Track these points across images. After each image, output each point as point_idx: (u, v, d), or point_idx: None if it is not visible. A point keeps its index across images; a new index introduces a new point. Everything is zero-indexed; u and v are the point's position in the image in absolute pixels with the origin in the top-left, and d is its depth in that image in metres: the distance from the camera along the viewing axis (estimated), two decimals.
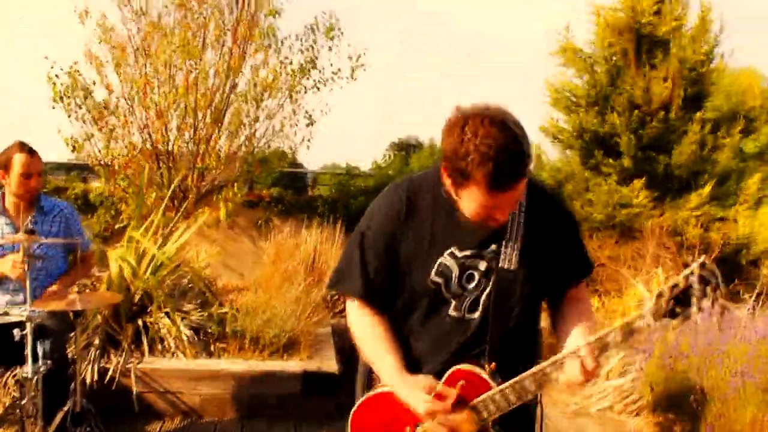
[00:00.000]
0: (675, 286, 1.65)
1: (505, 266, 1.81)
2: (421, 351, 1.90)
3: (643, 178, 7.20)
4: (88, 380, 4.29)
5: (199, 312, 5.11)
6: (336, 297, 6.13)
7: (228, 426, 4.39)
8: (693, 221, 6.99)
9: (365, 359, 1.96)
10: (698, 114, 7.38)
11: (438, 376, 1.83)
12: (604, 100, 7.78)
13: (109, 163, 7.70)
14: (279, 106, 7.82)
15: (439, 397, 1.80)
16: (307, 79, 7.80)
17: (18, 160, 3.67)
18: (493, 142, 1.57)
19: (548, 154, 8.91)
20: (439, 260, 1.83)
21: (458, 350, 1.85)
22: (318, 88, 7.90)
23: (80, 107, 7.63)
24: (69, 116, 7.60)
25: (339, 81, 7.95)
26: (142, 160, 7.54)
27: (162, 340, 4.81)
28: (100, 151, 7.70)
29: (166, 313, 4.90)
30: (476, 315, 1.84)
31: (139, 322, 4.88)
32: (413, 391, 1.79)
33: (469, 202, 1.69)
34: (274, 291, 5.52)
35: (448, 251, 1.83)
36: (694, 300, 1.64)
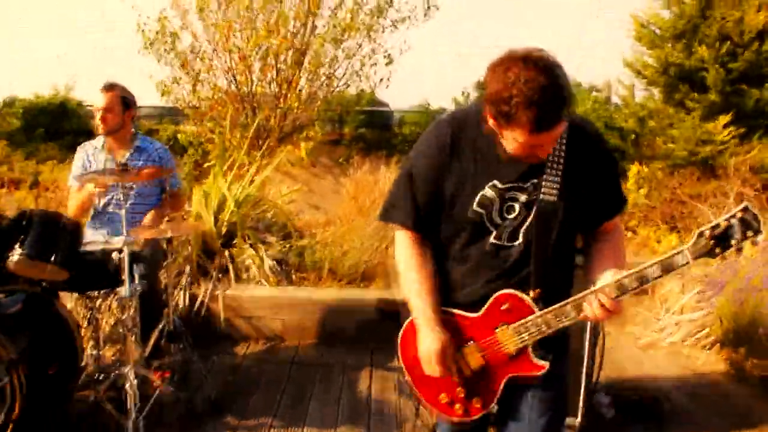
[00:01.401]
0: (716, 226, 1.72)
1: (545, 198, 1.88)
2: (460, 276, 2.01)
3: (730, 114, 6.94)
4: (180, 305, 4.66)
5: (281, 244, 5.39)
6: None
7: (308, 350, 4.68)
8: None
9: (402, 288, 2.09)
10: None
11: (476, 300, 1.97)
12: (692, 32, 7.48)
13: (197, 106, 8.05)
14: (358, 45, 7.93)
15: (485, 318, 1.96)
16: (384, 18, 7.84)
17: (96, 97, 3.99)
18: (536, 86, 1.63)
19: (632, 89, 8.66)
20: (481, 192, 1.90)
21: (497, 277, 1.95)
22: (396, 27, 7.94)
23: (168, 52, 7.98)
24: (159, 61, 7.97)
25: (415, 21, 7.98)
26: (228, 102, 7.84)
27: (247, 270, 5.13)
28: (188, 95, 8.06)
29: (251, 245, 5.21)
30: (516, 244, 1.92)
31: (226, 253, 5.21)
32: (427, 340, 1.96)
33: (512, 141, 1.76)
34: (352, 225, 5.73)
35: (490, 183, 1.89)
36: (733, 242, 1.71)
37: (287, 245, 5.42)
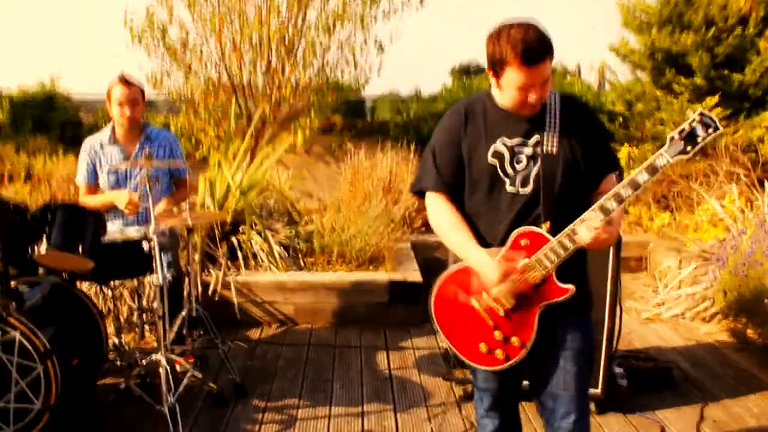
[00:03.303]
0: (682, 130, 2.05)
1: (547, 150, 2.18)
2: (486, 223, 2.26)
3: (716, 96, 7.13)
4: (193, 293, 4.70)
5: (287, 229, 5.46)
6: (414, 215, 6.41)
7: (322, 332, 4.76)
8: None
9: (443, 239, 2.33)
10: None
11: (502, 241, 2.21)
12: (678, 17, 7.64)
13: (189, 97, 8.05)
14: (350, 33, 7.98)
15: (507, 259, 2.17)
16: (377, 8, 7.90)
17: (114, 89, 3.99)
18: (522, 31, 2.03)
19: (618, 75, 8.84)
20: (493, 147, 2.21)
21: (517, 218, 2.20)
22: (389, 17, 8.00)
23: (158, 46, 7.97)
24: (149, 55, 7.96)
25: (408, 10, 8.05)
26: (222, 93, 7.85)
27: (255, 256, 5.20)
28: (180, 86, 8.05)
29: (258, 232, 5.27)
30: (528, 189, 2.19)
31: (233, 240, 5.27)
32: (485, 259, 2.18)
33: (508, 88, 2.12)
34: (355, 210, 5.82)
35: (500, 139, 2.21)
36: (699, 139, 2.04)
37: (293, 231, 5.49)
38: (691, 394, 3.77)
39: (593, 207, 2.09)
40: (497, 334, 2.22)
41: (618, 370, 3.78)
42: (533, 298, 2.18)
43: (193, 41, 7.95)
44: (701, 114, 2.05)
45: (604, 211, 2.07)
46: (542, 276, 2.15)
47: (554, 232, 2.14)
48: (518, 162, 2.20)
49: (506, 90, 2.13)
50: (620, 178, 2.22)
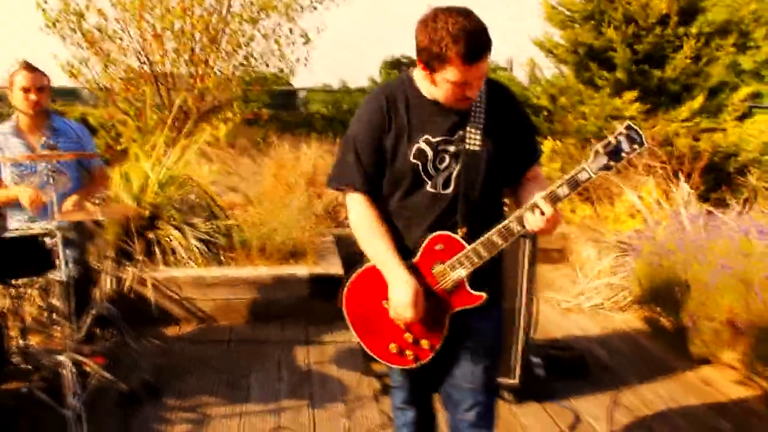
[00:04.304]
0: (608, 144, 1.97)
1: (470, 148, 2.09)
2: (402, 226, 2.17)
3: (636, 91, 7.31)
4: (107, 290, 4.53)
5: (207, 224, 5.32)
6: (337, 208, 6.34)
7: (242, 329, 4.66)
8: (684, 131, 7.15)
9: (361, 245, 2.22)
10: (692, 29, 7.43)
11: (417, 247, 2.13)
12: (600, 14, 7.80)
13: (108, 87, 7.78)
14: (276, 25, 7.86)
15: (422, 261, 2.12)
16: None
17: (18, 75, 3.79)
18: (461, 24, 1.89)
19: (542, 69, 8.97)
20: (416, 146, 2.09)
21: (435, 221, 2.12)
22: (315, 8, 7.91)
23: (74, 32, 7.66)
24: (63, 40, 7.64)
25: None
26: (142, 83, 7.61)
27: (173, 252, 5.04)
28: (98, 75, 7.77)
29: (175, 226, 5.11)
30: (449, 190, 2.11)
31: (150, 235, 5.09)
32: (400, 280, 2.08)
33: (444, 84, 1.99)
34: (278, 203, 5.71)
35: (423, 138, 2.09)
36: (623, 154, 1.96)
37: (213, 225, 5.35)
38: (606, 382, 3.85)
39: (510, 219, 2.03)
40: (408, 336, 2.17)
41: (535, 359, 3.81)
42: (445, 304, 2.13)
43: (112, 28, 7.69)
44: (628, 128, 1.97)
45: (508, 231, 2.03)
46: (454, 283, 2.10)
47: (471, 236, 2.08)
48: (441, 161, 2.10)
49: (441, 85, 2.01)
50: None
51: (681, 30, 7.45)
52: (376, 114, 2.14)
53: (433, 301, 2.12)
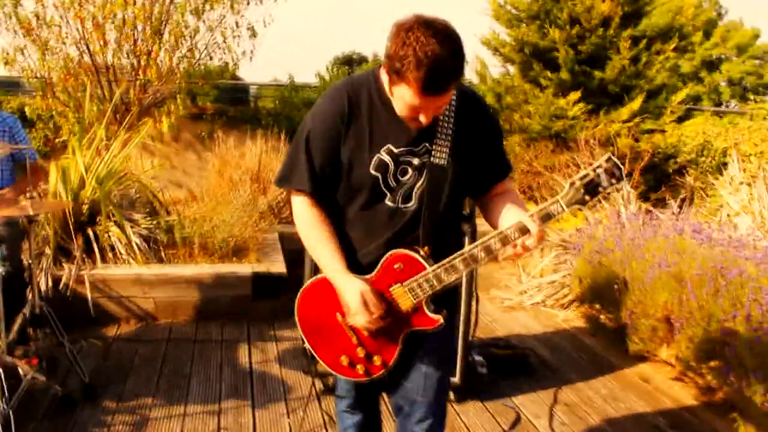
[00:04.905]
0: (586, 176, 1.82)
1: (436, 162, 1.96)
2: (358, 239, 2.05)
3: (579, 91, 7.45)
4: (43, 288, 4.39)
5: (148, 221, 5.20)
6: (282, 204, 6.28)
7: (182, 328, 4.57)
8: (624, 132, 7.32)
9: (308, 249, 2.10)
10: (630, 31, 7.61)
11: (373, 262, 2.01)
12: (545, 14, 7.91)
13: (46, 76, 7.53)
14: (221, 16, 7.72)
15: (378, 284, 1.99)
16: None
17: None
18: (430, 51, 1.69)
19: (489, 67, 9.04)
20: (377, 155, 1.95)
21: (392, 237, 2.00)
22: (261, 1, 7.81)
23: (9, 17, 7.40)
24: None
25: None
26: (81, 73, 7.39)
27: (112, 249, 4.91)
28: (35, 64, 7.52)
29: (115, 223, 4.99)
30: (410, 205, 1.99)
31: (89, 232, 4.95)
32: (347, 286, 1.98)
33: (399, 100, 1.83)
34: (221, 200, 5.63)
35: (385, 148, 1.95)
36: (600, 189, 1.82)
37: (154, 222, 5.24)
38: (547, 379, 3.91)
39: (474, 245, 1.90)
40: (360, 351, 2.07)
41: (478, 358, 3.84)
42: (400, 323, 2.02)
43: (51, 15, 7.44)
44: (609, 160, 1.81)
45: (472, 258, 1.90)
46: (413, 305, 1.98)
47: (434, 256, 1.96)
48: (403, 174, 1.97)
49: (397, 101, 1.85)
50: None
51: (624, 32, 7.61)
52: (335, 117, 1.98)
53: (388, 320, 2.01)
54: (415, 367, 2.13)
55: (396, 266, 1.98)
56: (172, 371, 3.89)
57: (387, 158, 1.96)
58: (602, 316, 4.64)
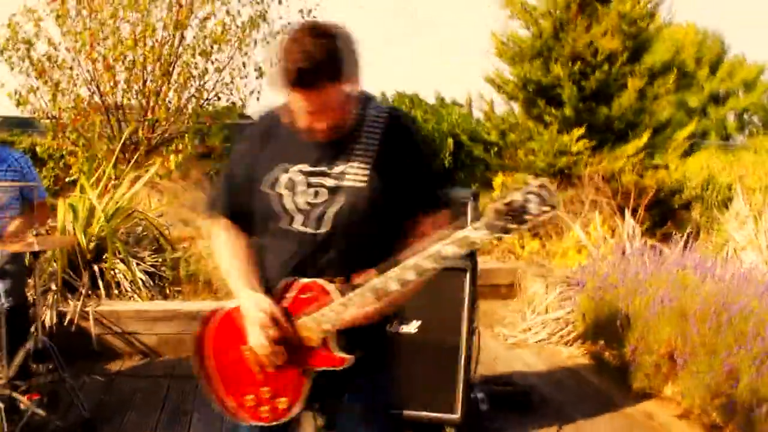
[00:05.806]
0: (511, 202, 1.55)
1: (353, 185, 1.81)
2: (270, 261, 1.92)
3: (583, 127, 7.49)
4: (47, 323, 4.42)
5: (154, 257, 5.25)
6: None
7: (185, 364, 4.55)
8: (629, 167, 7.34)
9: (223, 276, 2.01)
10: (636, 67, 7.69)
11: (283, 288, 1.86)
12: (548, 51, 8.00)
13: (57, 116, 7.68)
14: (229, 58, 7.87)
15: (288, 308, 1.84)
16: (257, 32, 7.85)
17: None
18: (300, 46, 1.64)
19: (494, 105, 9.11)
20: (288, 176, 1.84)
21: (302, 263, 1.85)
22: (268, 42, 7.95)
23: (23, 60, 7.58)
24: (11, 69, 7.55)
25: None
26: (92, 113, 7.53)
27: (118, 285, 4.96)
28: (46, 104, 7.67)
29: (121, 259, 5.03)
30: (323, 231, 1.83)
31: (95, 268, 5.00)
32: (250, 303, 1.84)
33: (293, 108, 1.75)
34: None
35: (297, 168, 1.84)
36: (527, 217, 1.56)
37: (160, 258, 5.28)
38: (550, 417, 3.86)
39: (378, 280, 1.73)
40: (265, 390, 1.89)
41: (479, 395, 3.82)
42: (305, 361, 1.84)
43: (62, 57, 7.62)
44: (542, 186, 1.55)
45: (381, 291, 1.73)
46: (319, 339, 1.81)
47: (347, 284, 1.80)
48: (315, 195, 1.83)
49: (294, 109, 1.75)
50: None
51: (627, 68, 7.69)
52: (250, 141, 1.94)
53: (294, 356, 1.84)
54: (348, 425, 1.99)
55: (304, 296, 1.82)
56: (174, 407, 3.88)
57: (299, 178, 1.84)
58: (606, 353, 4.60)
